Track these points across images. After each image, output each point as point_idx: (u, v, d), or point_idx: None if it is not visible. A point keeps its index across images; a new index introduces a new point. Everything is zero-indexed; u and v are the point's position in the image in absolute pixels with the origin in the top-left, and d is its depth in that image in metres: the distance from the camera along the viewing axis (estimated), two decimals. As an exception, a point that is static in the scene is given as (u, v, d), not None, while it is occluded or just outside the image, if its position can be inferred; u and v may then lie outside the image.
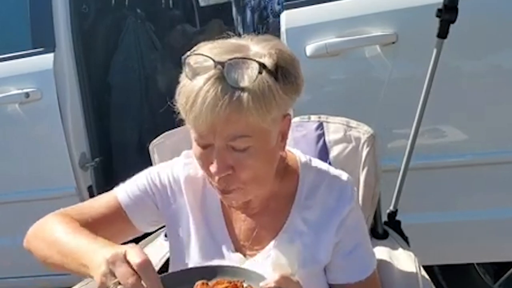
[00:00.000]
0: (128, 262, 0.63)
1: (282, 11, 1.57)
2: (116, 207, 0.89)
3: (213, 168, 0.75)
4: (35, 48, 1.83)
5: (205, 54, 0.72)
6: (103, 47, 2.36)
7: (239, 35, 0.79)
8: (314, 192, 0.87)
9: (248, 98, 0.69)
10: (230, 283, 0.71)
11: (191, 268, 0.82)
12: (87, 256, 0.70)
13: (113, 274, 0.63)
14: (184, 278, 0.75)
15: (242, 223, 0.89)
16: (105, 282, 0.64)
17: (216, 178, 0.77)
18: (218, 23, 2.77)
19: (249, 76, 0.70)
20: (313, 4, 1.52)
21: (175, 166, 0.93)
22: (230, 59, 0.70)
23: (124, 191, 0.91)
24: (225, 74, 0.69)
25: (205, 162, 0.77)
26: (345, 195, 0.86)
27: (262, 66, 0.71)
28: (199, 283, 0.72)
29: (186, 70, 0.73)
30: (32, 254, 0.84)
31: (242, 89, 0.69)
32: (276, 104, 0.72)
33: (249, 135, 0.72)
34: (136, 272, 0.62)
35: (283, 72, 0.74)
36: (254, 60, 0.71)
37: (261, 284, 0.70)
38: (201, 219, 0.90)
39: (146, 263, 0.63)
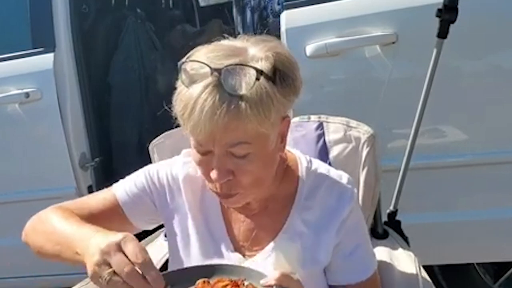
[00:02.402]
0: (123, 252, 0.64)
1: (282, 11, 1.56)
2: (114, 204, 0.89)
3: (213, 174, 0.74)
4: (35, 48, 1.83)
5: (202, 61, 0.71)
6: (103, 47, 2.36)
7: (239, 35, 0.78)
8: (314, 193, 0.87)
9: (246, 106, 0.68)
10: (231, 281, 0.72)
11: (192, 267, 0.82)
12: (80, 243, 0.71)
13: (107, 264, 0.64)
14: (185, 276, 0.76)
15: (241, 223, 0.89)
16: (98, 272, 0.64)
17: (217, 184, 0.77)
18: (218, 23, 2.77)
19: (246, 83, 0.69)
20: (313, 4, 1.52)
21: (174, 164, 0.93)
22: (227, 66, 0.69)
23: (122, 189, 0.91)
24: (222, 81, 0.68)
25: (205, 169, 0.77)
26: (345, 196, 0.86)
27: (260, 72, 0.70)
28: (200, 281, 0.74)
29: (182, 77, 0.72)
30: (29, 246, 0.85)
31: (240, 97, 0.68)
32: (275, 109, 0.71)
33: (248, 141, 0.72)
34: (131, 261, 0.63)
35: (281, 75, 0.73)
36: (252, 66, 0.70)
37: (262, 281, 0.71)
38: (200, 219, 0.90)
39: (144, 257, 0.64)
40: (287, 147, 0.89)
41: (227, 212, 0.90)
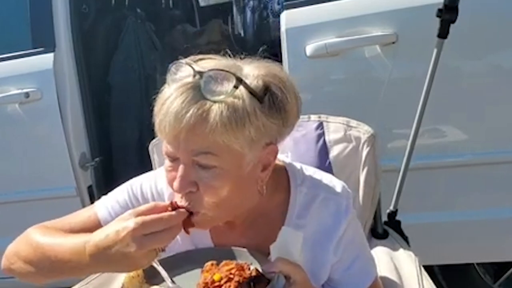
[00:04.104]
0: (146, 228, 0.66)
1: (282, 11, 1.56)
2: (95, 223, 0.85)
3: (175, 183, 0.71)
4: (35, 48, 1.83)
5: (188, 63, 0.69)
6: (103, 47, 2.36)
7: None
8: (307, 210, 0.83)
9: (217, 112, 0.65)
10: (237, 264, 0.74)
11: (200, 249, 0.85)
12: (77, 257, 0.70)
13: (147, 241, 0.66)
14: (194, 258, 0.80)
15: (230, 242, 0.85)
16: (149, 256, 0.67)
17: (179, 196, 0.73)
18: (218, 23, 2.77)
19: (224, 89, 0.67)
20: (313, 4, 1.52)
21: (159, 178, 0.88)
22: (210, 70, 0.68)
23: (104, 207, 0.87)
24: (201, 84, 0.67)
25: (171, 176, 0.73)
26: (341, 211, 0.83)
27: (239, 80, 0.67)
28: (208, 263, 0.76)
29: (168, 77, 0.71)
30: (13, 272, 0.82)
31: (214, 101, 0.66)
32: (251, 125, 0.67)
33: (215, 153, 0.68)
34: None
35: (271, 96, 0.70)
36: (233, 74, 0.68)
37: (265, 267, 0.73)
38: (187, 238, 0.85)
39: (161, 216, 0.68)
40: (279, 155, 0.81)
41: (216, 232, 0.87)
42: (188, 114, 0.65)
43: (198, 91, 0.67)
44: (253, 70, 0.72)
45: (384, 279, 1.02)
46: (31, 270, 0.79)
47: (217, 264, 0.76)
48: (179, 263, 0.82)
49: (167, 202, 0.72)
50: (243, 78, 0.69)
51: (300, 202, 0.84)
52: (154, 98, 0.72)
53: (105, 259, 0.68)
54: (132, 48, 2.36)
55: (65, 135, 1.82)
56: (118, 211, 0.86)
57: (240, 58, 0.76)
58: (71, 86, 1.86)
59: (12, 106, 1.83)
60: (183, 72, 0.70)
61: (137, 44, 2.38)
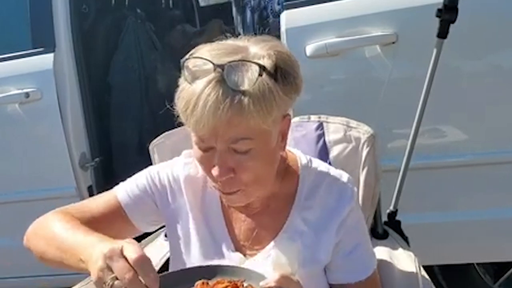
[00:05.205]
0: (125, 257, 0.63)
1: (282, 11, 1.57)
2: (116, 206, 0.90)
3: (215, 171, 0.75)
4: (35, 48, 1.83)
5: (204, 57, 0.72)
6: (103, 47, 2.36)
7: (239, 35, 0.79)
8: (314, 192, 0.88)
9: (249, 101, 0.69)
10: (231, 282, 0.71)
11: (190, 268, 0.82)
12: (84, 251, 0.70)
13: (110, 269, 0.63)
14: (184, 278, 0.75)
15: (242, 223, 0.90)
16: (102, 277, 0.64)
17: (219, 182, 0.77)
18: (218, 23, 2.77)
19: (249, 79, 0.70)
20: (313, 4, 1.52)
21: (175, 165, 0.94)
22: (230, 62, 0.70)
23: (124, 190, 0.91)
24: (225, 77, 0.69)
25: (206, 165, 0.77)
26: (345, 196, 0.87)
27: (262, 68, 0.71)
28: (199, 282, 0.73)
29: (185, 73, 0.73)
30: (31, 251, 0.85)
31: (243, 92, 0.69)
32: (276, 105, 0.72)
33: (251, 137, 0.73)
34: (133, 268, 0.62)
35: (282, 73, 0.74)
36: (254, 62, 0.71)
37: (261, 283, 0.71)
38: (201, 219, 0.90)
39: (143, 259, 0.63)
40: (288, 147, 0.89)
41: (228, 212, 0.91)
42: (225, 109, 0.68)
43: (225, 84, 0.69)
44: (259, 50, 0.74)
45: (383, 279, 1.02)
46: (47, 258, 0.81)
47: (208, 283, 0.73)
48: (169, 283, 0.77)
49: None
50: (256, 60, 0.71)
51: (308, 185, 0.88)
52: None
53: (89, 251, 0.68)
54: (132, 48, 2.36)
55: (65, 135, 1.83)
56: (137, 193, 0.91)
57: (235, 37, 0.79)
58: (71, 86, 1.86)
59: (12, 106, 1.84)
60: (200, 67, 0.72)
61: (137, 44, 2.38)
